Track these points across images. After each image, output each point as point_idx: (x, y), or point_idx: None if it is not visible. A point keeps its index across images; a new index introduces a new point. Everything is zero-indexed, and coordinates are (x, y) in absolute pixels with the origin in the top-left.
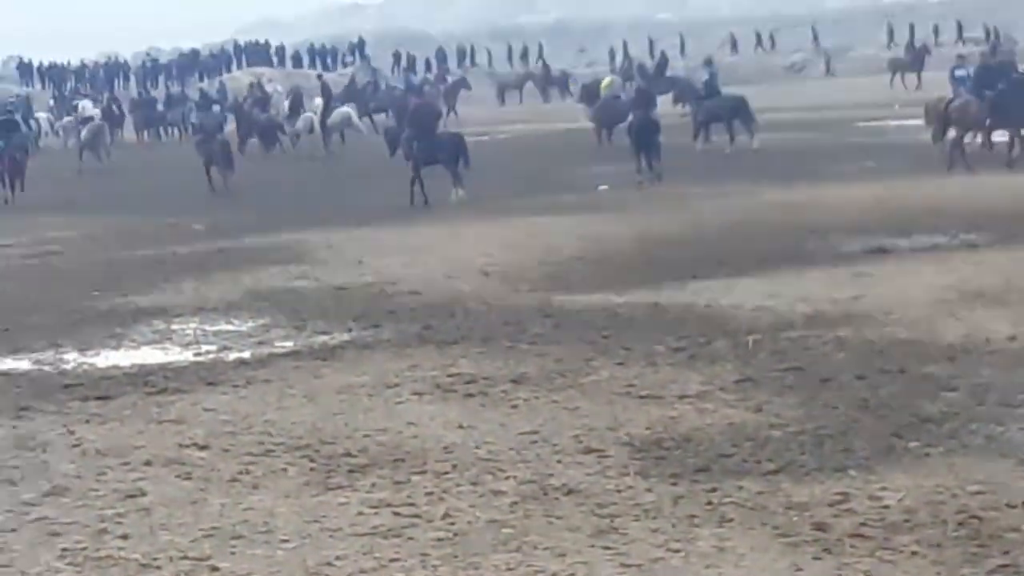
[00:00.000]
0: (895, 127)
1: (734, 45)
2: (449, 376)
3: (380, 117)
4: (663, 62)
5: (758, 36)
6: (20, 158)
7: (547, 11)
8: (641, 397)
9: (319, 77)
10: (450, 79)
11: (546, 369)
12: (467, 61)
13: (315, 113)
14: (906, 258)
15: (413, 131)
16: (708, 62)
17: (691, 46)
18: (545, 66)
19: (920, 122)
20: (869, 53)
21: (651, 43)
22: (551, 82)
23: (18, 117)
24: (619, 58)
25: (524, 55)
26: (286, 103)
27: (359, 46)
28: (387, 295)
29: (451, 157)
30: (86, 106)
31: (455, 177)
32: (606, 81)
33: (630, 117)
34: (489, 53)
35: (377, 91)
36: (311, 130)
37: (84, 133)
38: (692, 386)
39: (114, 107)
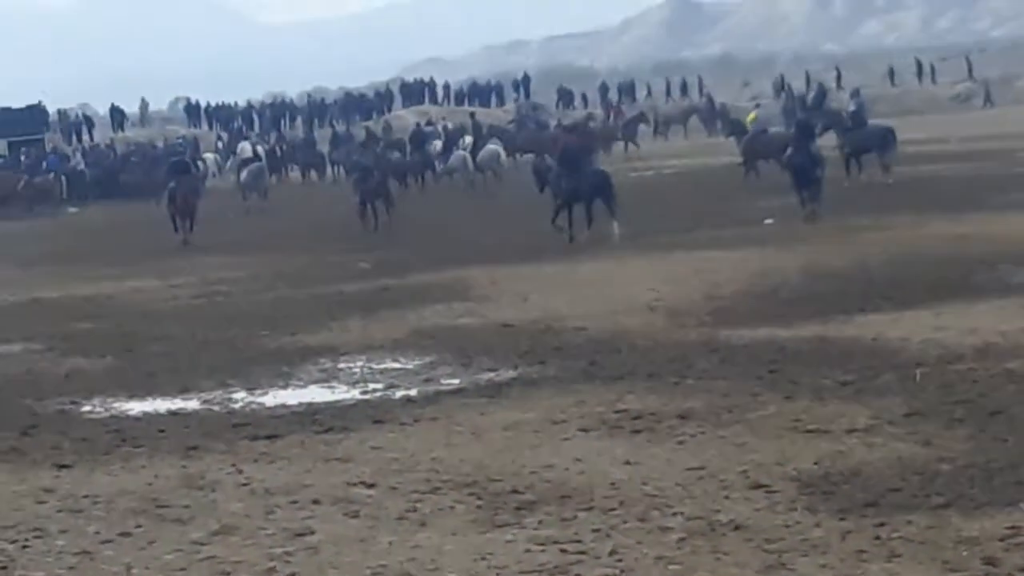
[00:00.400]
0: None
1: (892, 76)
2: (615, 412)
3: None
4: (821, 94)
5: (919, 65)
6: (192, 199)
7: (711, 45)
8: (808, 431)
9: (471, 115)
10: (628, 113)
11: (713, 404)
12: (630, 96)
13: (466, 150)
14: None
15: (562, 168)
16: (855, 93)
17: (855, 78)
18: (709, 100)
19: None
20: None
21: (807, 76)
22: (715, 115)
23: (188, 159)
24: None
25: (684, 89)
26: (438, 142)
27: (523, 83)
28: (553, 331)
29: (597, 194)
30: (245, 148)
31: (611, 212)
32: (751, 115)
33: (788, 151)
34: (649, 87)
35: (522, 129)
36: (465, 167)
37: (244, 175)
38: (860, 420)
39: (279, 148)
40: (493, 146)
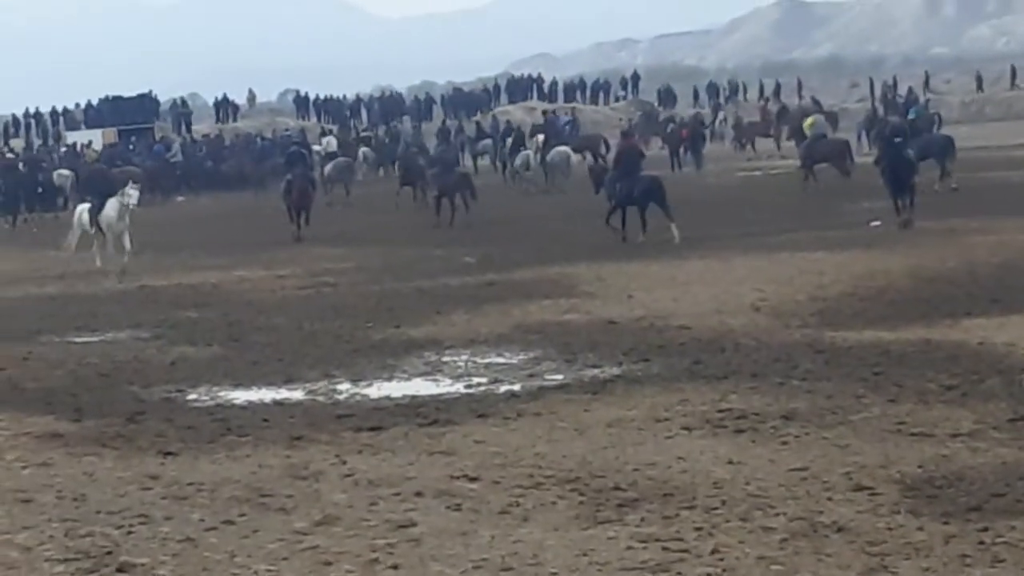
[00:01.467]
0: None
1: (1014, 78)
2: (719, 411)
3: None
4: (911, 99)
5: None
6: (308, 190)
7: (820, 45)
8: (913, 435)
9: (544, 113)
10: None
11: (817, 405)
12: (739, 95)
13: (534, 151)
14: None
15: (618, 171)
16: (914, 100)
17: (967, 81)
18: (815, 101)
19: None
20: None
21: (894, 80)
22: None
23: (304, 149)
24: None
25: (800, 89)
26: (509, 140)
27: (633, 80)
28: (657, 329)
29: (650, 198)
30: (330, 142)
31: (667, 216)
32: (809, 121)
33: (882, 158)
34: (762, 86)
35: (575, 131)
36: (527, 167)
37: (329, 169)
38: (964, 424)
39: (387, 141)
40: (564, 147)
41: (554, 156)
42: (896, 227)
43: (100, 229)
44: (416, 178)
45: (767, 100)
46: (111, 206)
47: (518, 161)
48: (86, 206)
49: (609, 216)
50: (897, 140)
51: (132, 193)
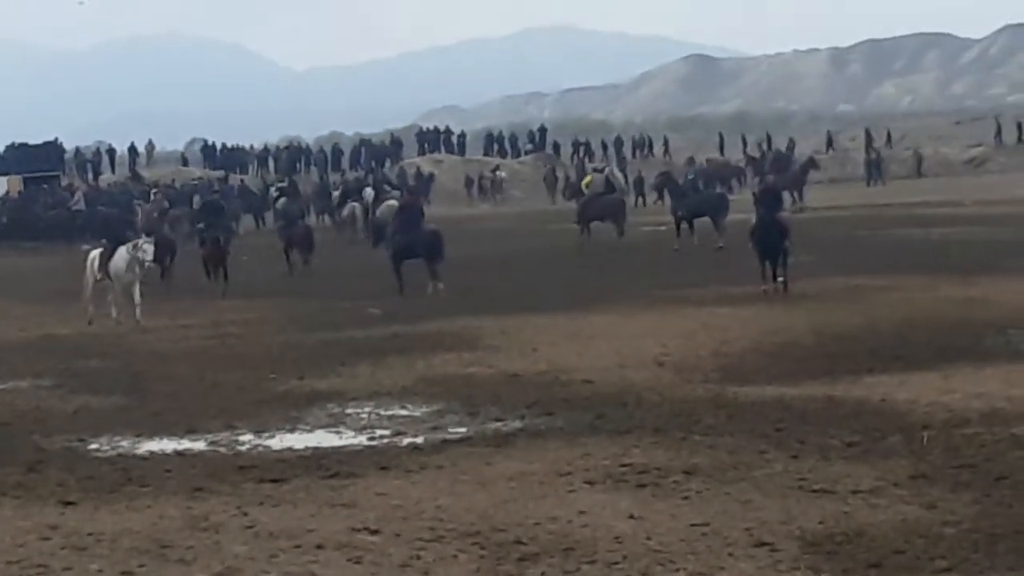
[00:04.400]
0: None
1: (888, 141)
2: (621, 466)
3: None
4: (786, 155)
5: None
6: (223, 243)
7: (728, 100)
8: (814, 491)
9: (367, 175)
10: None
11: (718, 461)
12: (645, 150)
13: (361, 204)
14: None
15: (397, 225)
16: (690, 161)
17: (874, 137)
18: (723, 157)
19: None
20: None
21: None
22: (731, 173)
23: (222, 200)
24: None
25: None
26: (336, 193)
27: (540, 133)
28: (560, 383)
29: (429, 252)
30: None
31: (432, 272)
32: (587, 179)
33: (753, 219)
34: (666, 141)
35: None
36: (353, 220)
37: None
38: (865, 481)
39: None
40: (393, 201)
41: (383, 210)
42: (762, 295)
43: (109, 277)
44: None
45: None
46: (120, 256)
47: (344, 212)
48: (97, 252)
49: (396, 269)
50: (767, 199)
51: (147, 248)
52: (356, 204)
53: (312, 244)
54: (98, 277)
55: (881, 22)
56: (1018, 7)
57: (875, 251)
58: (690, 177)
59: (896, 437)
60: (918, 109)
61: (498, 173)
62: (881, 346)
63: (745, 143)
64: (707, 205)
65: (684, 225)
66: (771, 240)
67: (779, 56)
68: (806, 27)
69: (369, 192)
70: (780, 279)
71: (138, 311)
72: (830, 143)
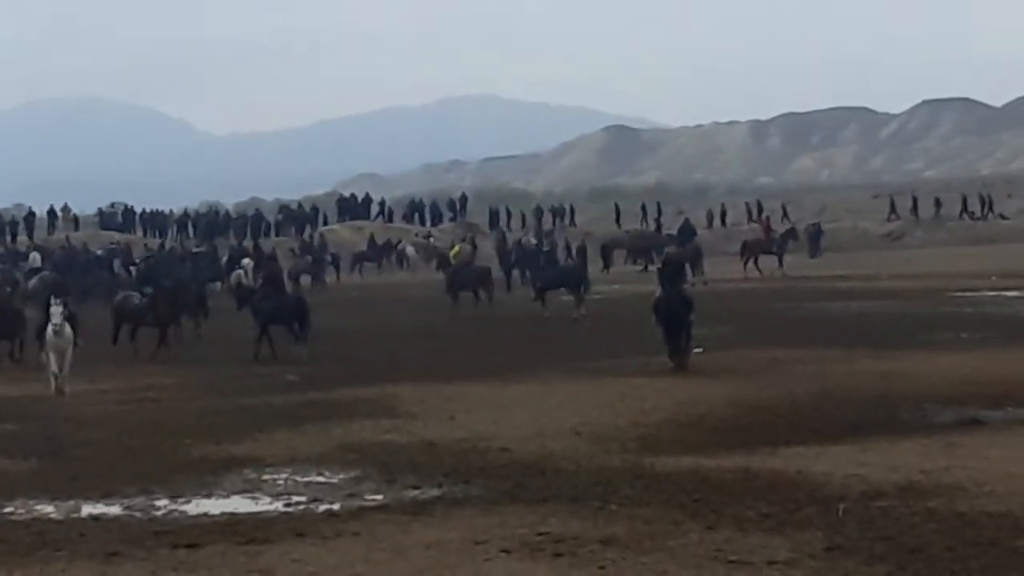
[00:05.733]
0: (991, 298)
1: (817, 215)
2: (538, 535)
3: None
4: (687, 228)
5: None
6: (169, 309)
7: (647, 172)
8: (730, 562)
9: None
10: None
11: (635, 531)
12: (565, 220)
13: (244, 271)
14: (999, 430)
15: (264, 291)
16: (548, 233)
17: (790, 211)
18: (644, 226)
19: (1017, 293)
20: (966, 222)
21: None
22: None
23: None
24: (715, 220)
25: (618, 216)
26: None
27: (461, 201)
28: (477, 451)
29: (294, 318)
30: (35, 258)
31: (297, 336)
32: (454, 250)
33: (657, 293)
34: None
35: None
36: (239, 285)
37: (34, 282)
38: (781, 552)
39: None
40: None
41: (233, 279)
42: (670, 370)
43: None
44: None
45: (767, 217)
46: (50, 323)
47: (232, 279)
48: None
49: (259, 338)
50: (670, 273)
51: (54, 311)
52: (240, 271)
53: (207, 310)
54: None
55: (800, 96)
56: (936, 83)
57: (793, 324)
58: (545, 250)
59: (812, 509)
60: (836, 182)
61: (431, 240)
62: (798, 418)
63: (649, 212)
64: (566, 277)
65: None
66: (675, 314)
67: (699, 128)
68: (725, 99)
69: (247, 261)
70: (683, 357)
71: (65, 383)
72: (750, 215)
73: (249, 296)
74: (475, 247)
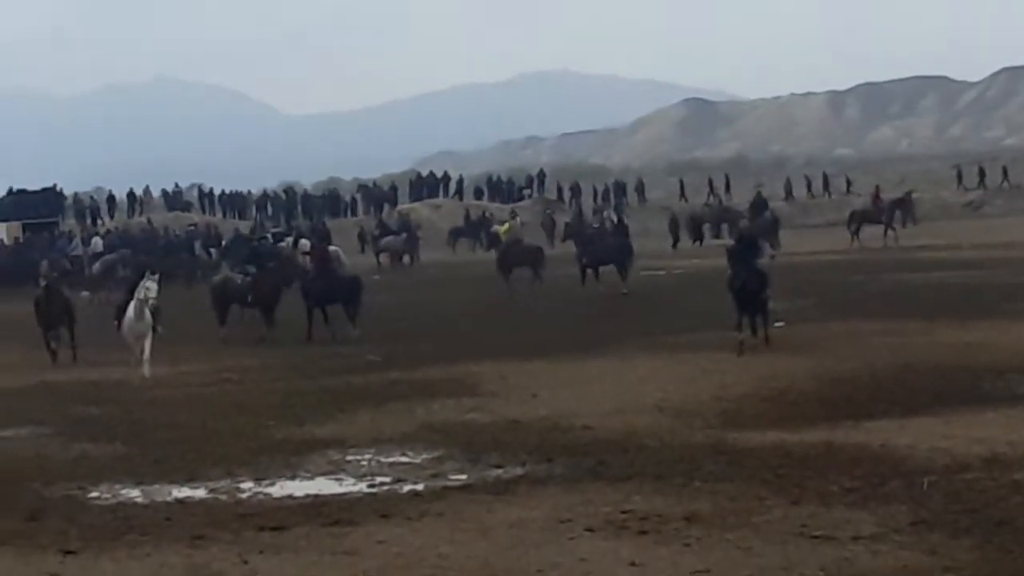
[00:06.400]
0: None
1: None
2: (622, 512)
3: None
4: (759, 202)
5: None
6: (273, 290)
7: (724, 145)
8: (814, 537)
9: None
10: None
11: (719, 507)
12: (644, 194)
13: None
14: None
15: (316, 271)
16: (601, 210)
17: (866, 181)
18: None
19: None
20: None
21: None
22: (725, 218)
23: (283, 243)
24: (798, 190)
25: (698, 188)
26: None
27: (539, 178)
28: (560, 429)
29: (348, 298)
30: (97, 243)
31: (350, 316)
32: (505, 227)
33: (729, 270)
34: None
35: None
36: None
37: (98, 266)
38: (866, 527)
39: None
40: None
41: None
42: (737, 347)
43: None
44: None
45: (878, 188)
46: (130, 306)
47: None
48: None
49: (309, 317)
50: (743, 249)
51: (150, 286)
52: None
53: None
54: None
55: (878, 65)
56: (1015, 50)
57: (873, 296)
58: (596, 227)
59: (896, 483)
60: (915, 152)
61: (517, 219)
62: (880, 391)
63: (717, 187)
64: (612, 253)
65: (590, 272)
66: (749, 291)
67: (776, 100)
68: (802, 71)
69: (304, 242)
70: (761, 331)
71: (146, 367)
72: (826, 186)
73: (303, 277)
74: (554, 222)
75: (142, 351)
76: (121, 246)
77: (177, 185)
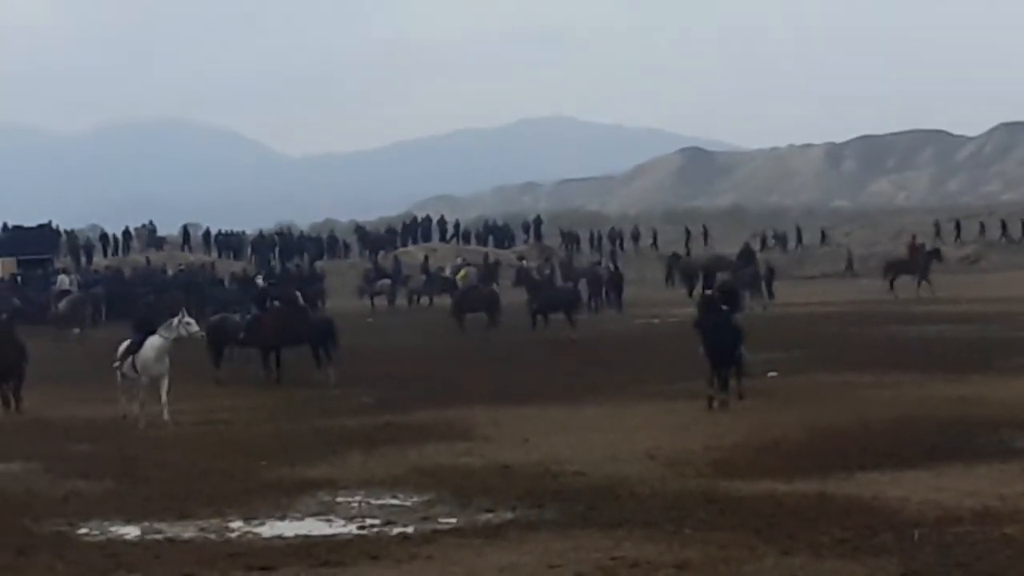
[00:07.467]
0: None
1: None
2: (612, 559)
3: None
4: (747, 252)
5: (937, 227)
6: (273, 331)
7: (723, 194)
8: None
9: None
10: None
11: (710, 555)
12: (639, 242)
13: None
14: None
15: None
16: (548, 257)
17: (867, 234)
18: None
19: None
20: None
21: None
22: (720, 267)
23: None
24: (791, 243)
25: (693, 236)
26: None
27: (536, 224)
28: (551, 475)
29: (323, 338)
30: (63, 280)
31: (326, 358)
32: (461, 273)
33: (704, 323)
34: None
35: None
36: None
37: (63, 305)
38: None
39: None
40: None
41: None
42: (708, 404)
43: (136, 370)
44: None
45: (914, 238)
46: (150, 345)
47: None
48: (125, 344)
49: (265, 360)
50: (722, 300)
51: (190, 321)
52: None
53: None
54: (116, 365)
55: (876, 119)
56: (1013, 106)
57: (868, 348)
58: (547, 272)
59: (887, 534)
60: (913, 206)
61: (523, 263)
62: (873, 443)
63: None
64: (561, 300)
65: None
66: (722, 346)
67: (774, 151)
68: (801, 123)
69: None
70: (735, 384)
71: (166, 411)
72: (824, 239)
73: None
74: (553, 268)
75: (157, 392)
76: (113, 284)
77: (151, 222)
